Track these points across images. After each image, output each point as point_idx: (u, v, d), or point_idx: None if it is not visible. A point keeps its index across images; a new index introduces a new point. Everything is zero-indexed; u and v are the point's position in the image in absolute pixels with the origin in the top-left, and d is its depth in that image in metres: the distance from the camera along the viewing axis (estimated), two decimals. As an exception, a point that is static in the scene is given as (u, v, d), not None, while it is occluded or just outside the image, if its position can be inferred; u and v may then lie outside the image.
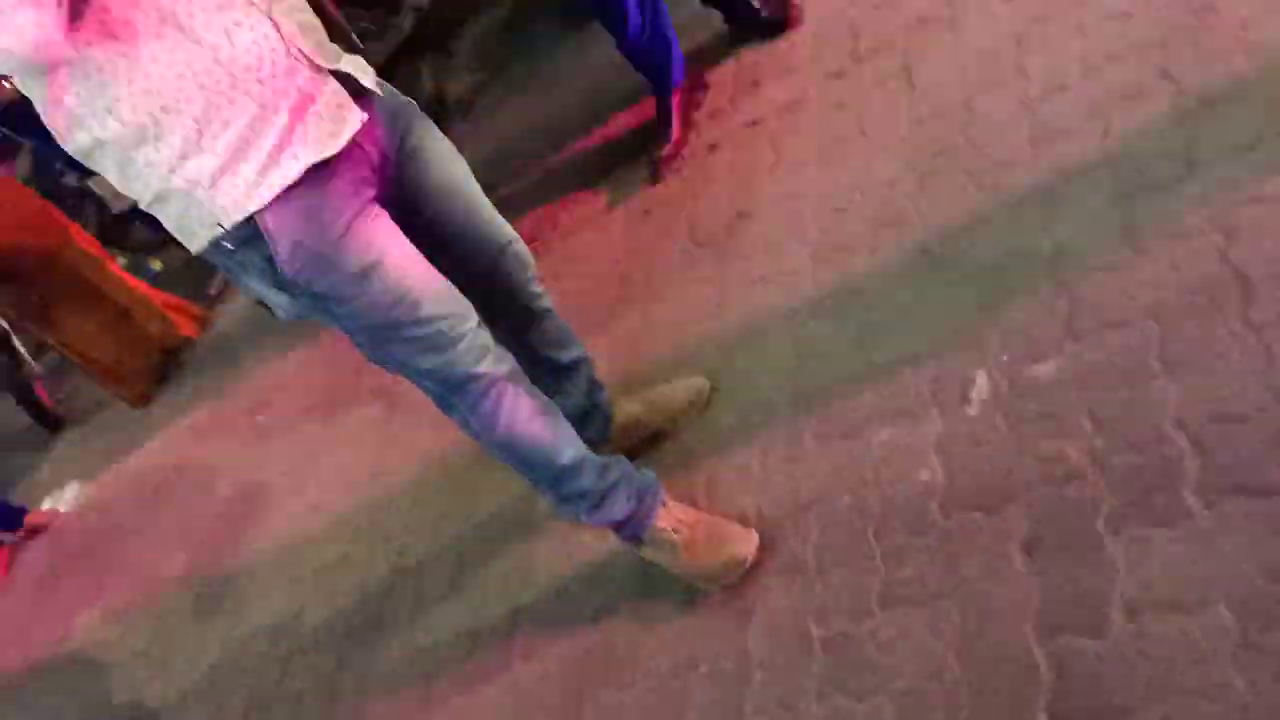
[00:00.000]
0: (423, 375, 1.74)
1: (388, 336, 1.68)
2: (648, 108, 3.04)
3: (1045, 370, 1.73)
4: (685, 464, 2.13)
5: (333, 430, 3.34)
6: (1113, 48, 2.09)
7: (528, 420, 1.80)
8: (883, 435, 1.84)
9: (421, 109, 1.79)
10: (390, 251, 1.63)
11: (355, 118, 1.57)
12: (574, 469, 1.86)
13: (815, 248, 2.29)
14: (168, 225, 1.61)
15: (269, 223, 1.53)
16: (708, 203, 2.69)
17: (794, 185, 2.46)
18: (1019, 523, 1.59)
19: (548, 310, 2.03)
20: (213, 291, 4.94)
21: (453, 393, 1.76)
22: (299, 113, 1.53)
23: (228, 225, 1.53)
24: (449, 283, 1.72)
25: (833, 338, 2.08)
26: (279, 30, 1.51)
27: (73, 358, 4.75)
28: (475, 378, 1.73)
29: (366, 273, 1.60)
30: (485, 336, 1.75)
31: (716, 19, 3.02)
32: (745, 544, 1.88)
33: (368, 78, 1.63)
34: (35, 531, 4.70)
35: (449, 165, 1.79)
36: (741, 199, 2.59)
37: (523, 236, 1.95)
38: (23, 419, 5.52)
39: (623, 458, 1.97)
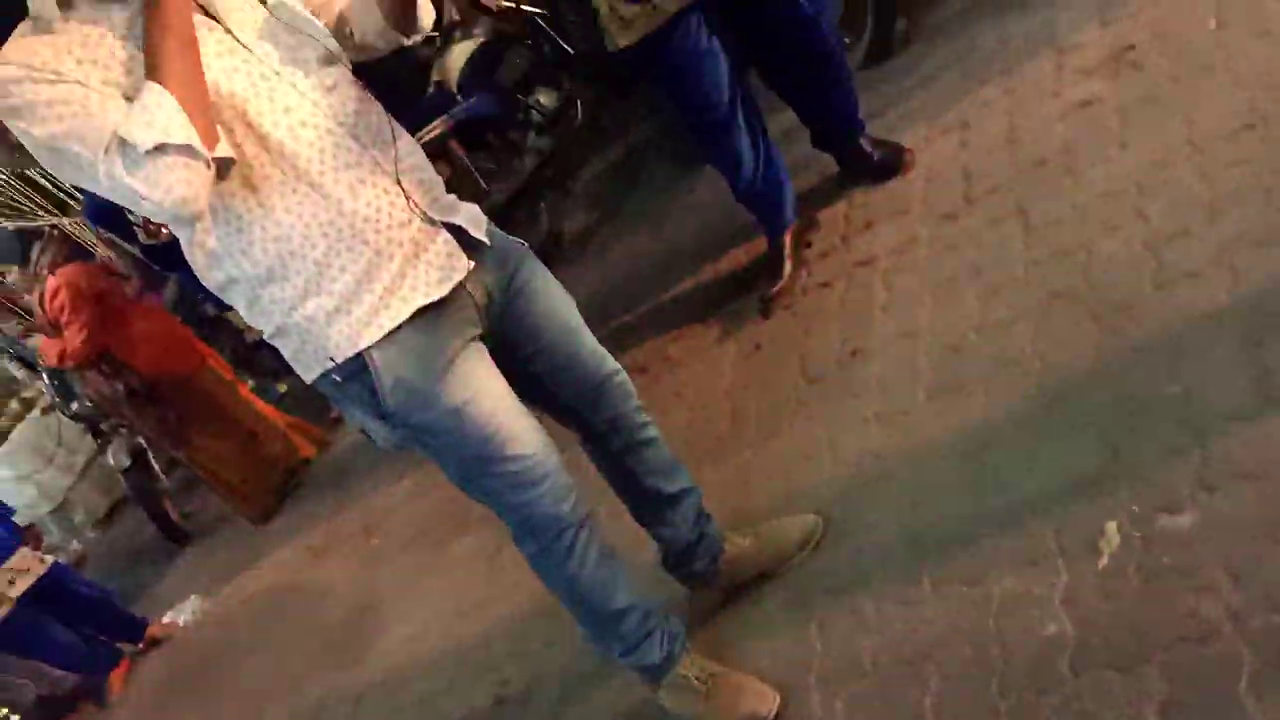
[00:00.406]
0: (505, 509, 1.84)
1: (476, 470, 1.78)
2: (759, 245, 3.11)
3: (1178, 522, 1.66)
4: (797, 603, 2.10)
5: (442, 556, 3.39)
6: (1237, 192, 2.06)
7: (594, 566, 1.88)
8: (1005, 584, 1.78)
9: (539, 246, 1.90)
10: (485, 391, 1.74)
11: (463, 266, 1.71)
12: (622, 615, 1.93)
13: (930, 387, 2.27)
14: (286, 356, 1.74)
15: (375, 359, 1.65)
16: (819, 339, 2.71)
17: (907, 324, 2.46)
18: (1156, 683, 1.51)
19: (652, 440, 2.06)
20: (334, 414, 5.11)
21: (529, 530, 1.84)
22: (411, 260, 1.66)
23: (338, 360, 1.66)
24: (538, 424, 1.82)
25: (950, 480, 2.04)
26: (400, 186, 1.65)
27: (202, 475, 4.98)
28: (553, 518, 1.82)
29: (461, 410, 1.70)
30: (567, 478, 1.84)
31: (828, 160, 3.09)
32: (765, 703, 1.93)
33: (479, 229, 1.76)
34: (155, 644, 4.84)
35: (553, 303, 1.88)
36: (854, 336, 2.60)
37: (632, 368, 2.01)
38: (151, 532, 5.76)
39: (656, 606, 2.01)
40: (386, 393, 1.67)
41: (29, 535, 4.68)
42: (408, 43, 1.75)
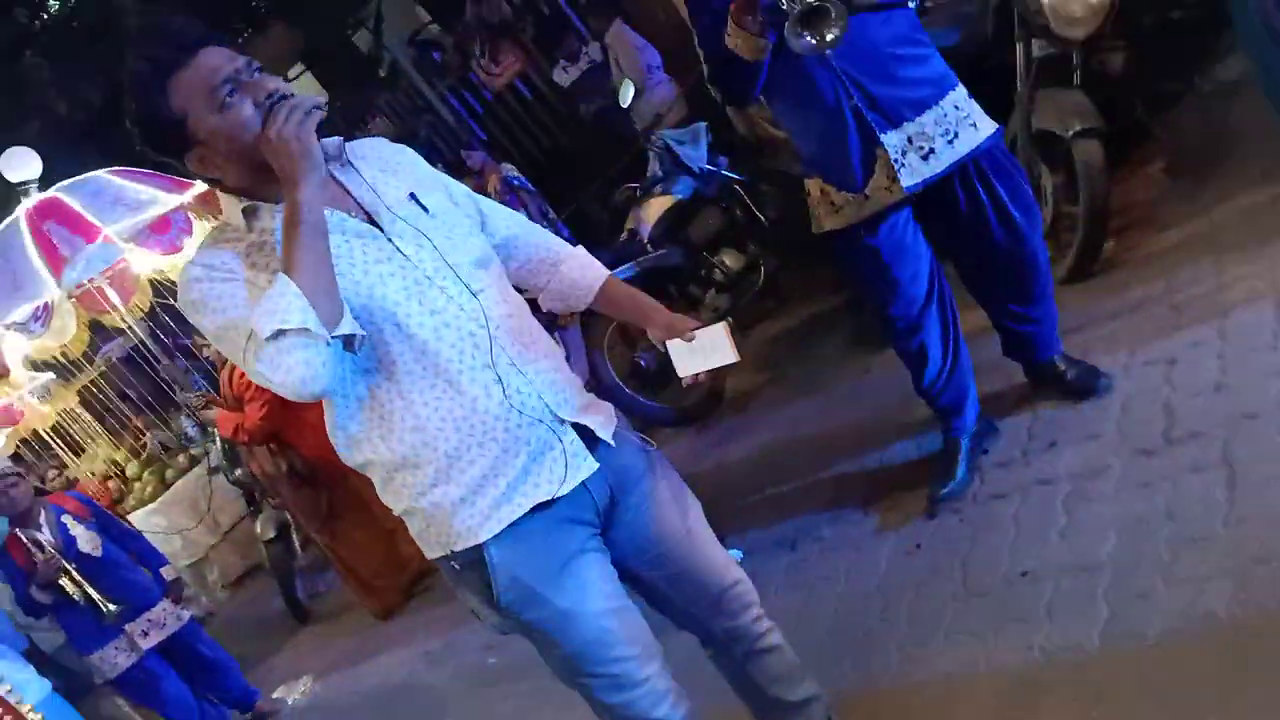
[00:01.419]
0: (599, 707, 1.86)
1: (576, 669, 1.82)
2: (933, 440, 3.07)
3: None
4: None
5: (556, 693, 3.36)
6: None
7: None
8: None
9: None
10: (596, 594, 1.78)
11: (587, 467, 1.77)
12: None
13: (1105, 629, 2.16)
14: (411, 532, 1.82)
15: (493, 554, 1.73)
16: (986, 552, 2.63)
17: (1087, 556, 2.37)
18: None
19: (774, 648, 2.03)
20: None
21: None
22: (537, 458, 1.73)
23: (457, 549, 1.74)
24: (645, 626, 1.85)
25: (1121, 732, 1.93)
26: (533, 386, 1.73)
27: (336, 561, 5.11)
28: None
29: (569, 612, 1.76)
30: (667, 682, 1.85)
31: (1017, 367, 3.06)
32: None
33: (607, 431, 1.82)
34: (261, 717, 4.92)
35: (675, 508, 1.92)
36: (1025, 556, 2.51)
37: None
38: (278, 605, 5.92)
39: None
40: (501, 589, 1.74)
41: (173, 587, 4.86)
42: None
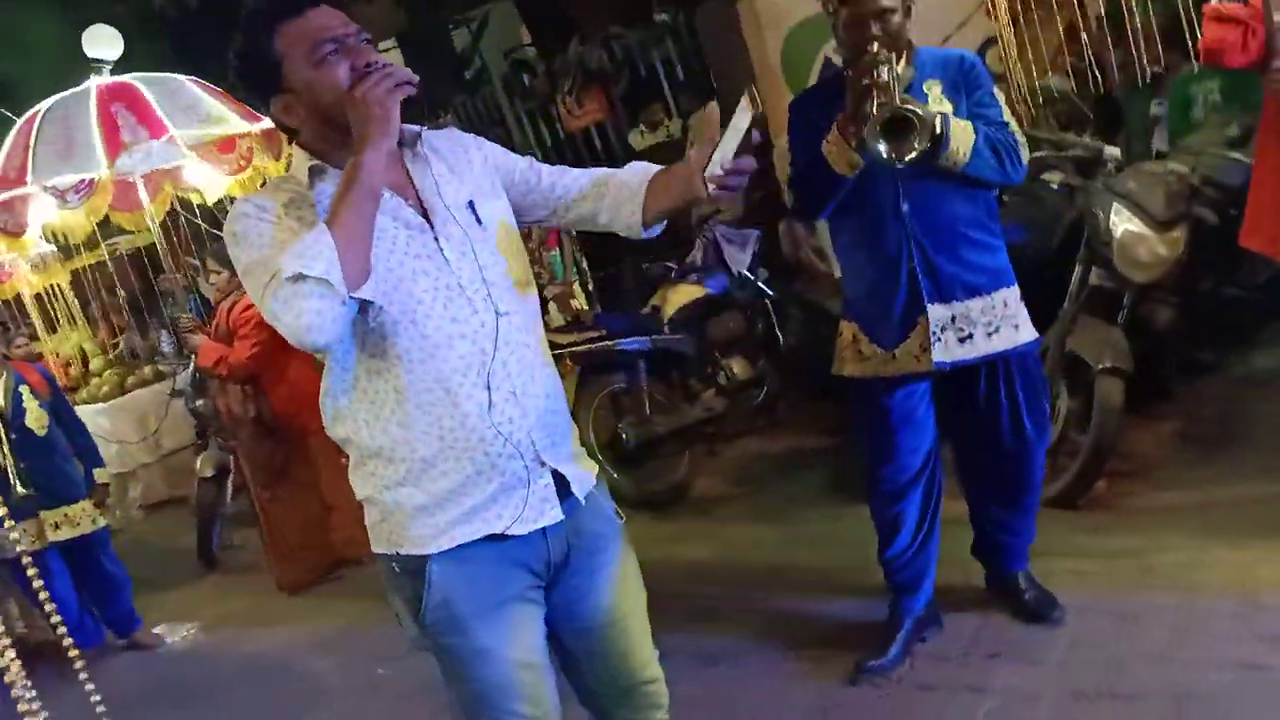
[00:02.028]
0: None
1: (476, 709, 1.80)
2: (878, 611, 3.06)
3: None
4: None
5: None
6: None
7: None
8: None
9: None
10: (519, 643, 1.77)
11: (552, 515, 1.76)
12: None
13: None
14: (365, 520, 1.81)
15: (434, 570, 1.72)
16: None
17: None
18: None
19: None
20: None
21: None
22: (507, 489, 1.72)
23: (404, 552, 1.73)
24: (554, 693, 1.83)
25: None
26: (526, 419, 1.72)
27: (264, 520, 5.01)
28: None
29: (488, 651, 1.74)
30: None
31: (979, 570, 3.07)
32: None
33: (582, 487, 1.81)
34: (135, 646, 4.82)
35: (622, 589, 1.89)
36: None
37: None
38: (189, 543, 5.83)
39: None
40: (430, 606, 1.72)
41: (98, 491, 4.79)
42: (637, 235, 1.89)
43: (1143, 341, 3.44)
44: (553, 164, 1.96)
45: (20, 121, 5.04)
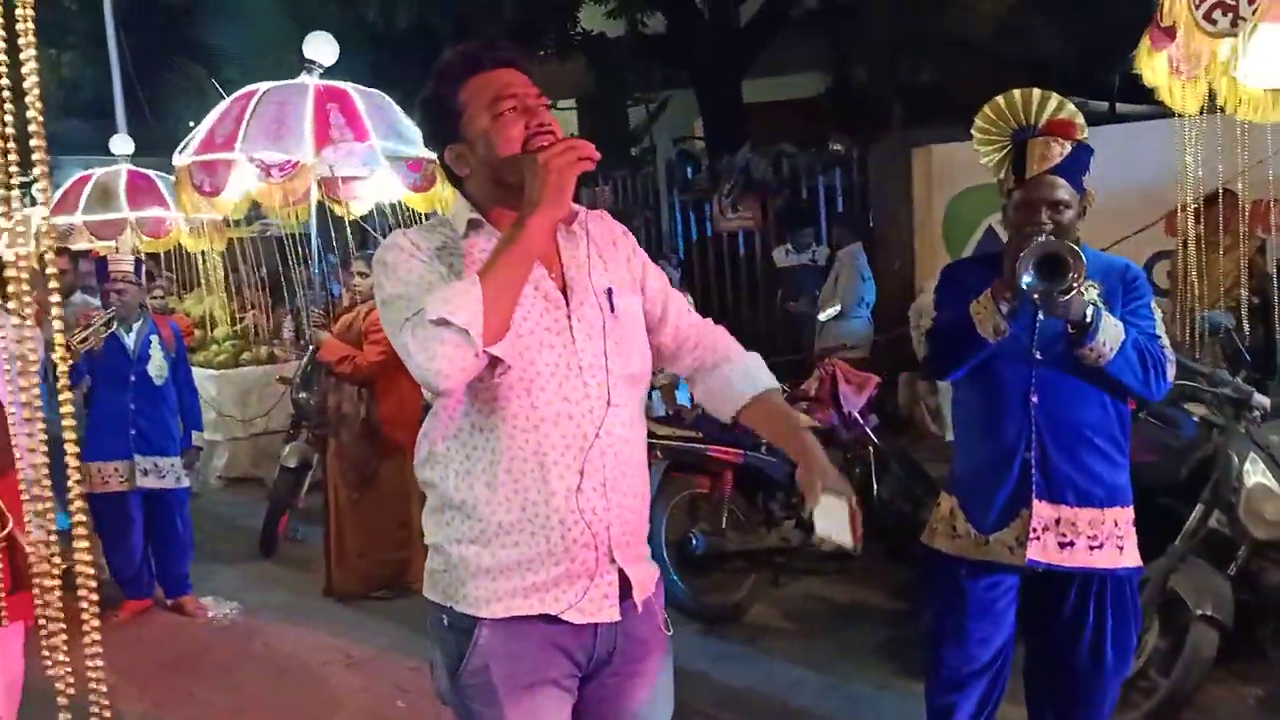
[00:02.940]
0: None
1: None
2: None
3: None
4: None
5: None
6: None
7: None
8: None
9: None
10: None
11: (609, 614, 1.76)
12: None
13: None
14: (428, 562, 1.82)
15: (483, 634, 1.72)
16: None
17: None
18: None
19: None
20: None
21: None
22: (572, 578, 1.72)
23: (457, 609, 1.74)
24: None
25: None
26: (609, 514, 1.73)
27: (333, 521, 5.11)
28: None
29: None
30: None
31: None
32: None
33: (643, 593, 1.80)
34: (179, 610, 4.93)
35: (653, 699, 1.88)
36: None
37: None
38: (254, 526, 5.97)
39: None
40: (469, 668, 1.73)
41: (190, 453, 4.98)
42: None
43: (1248, 597, 3.29)
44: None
45: (234, 96, 5.42)
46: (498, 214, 1.74)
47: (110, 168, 7.92)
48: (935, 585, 2.84)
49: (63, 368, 1.54)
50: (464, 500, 1.72)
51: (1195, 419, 3.55)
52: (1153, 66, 3.17)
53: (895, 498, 4.90)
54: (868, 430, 4.98)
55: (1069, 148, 2.54)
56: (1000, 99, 2.67)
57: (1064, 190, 2.52)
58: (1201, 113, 3.28)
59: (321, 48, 5.40)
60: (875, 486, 4.89)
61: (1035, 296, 2.37)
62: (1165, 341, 2.54)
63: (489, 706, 1.74)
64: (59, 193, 7.78)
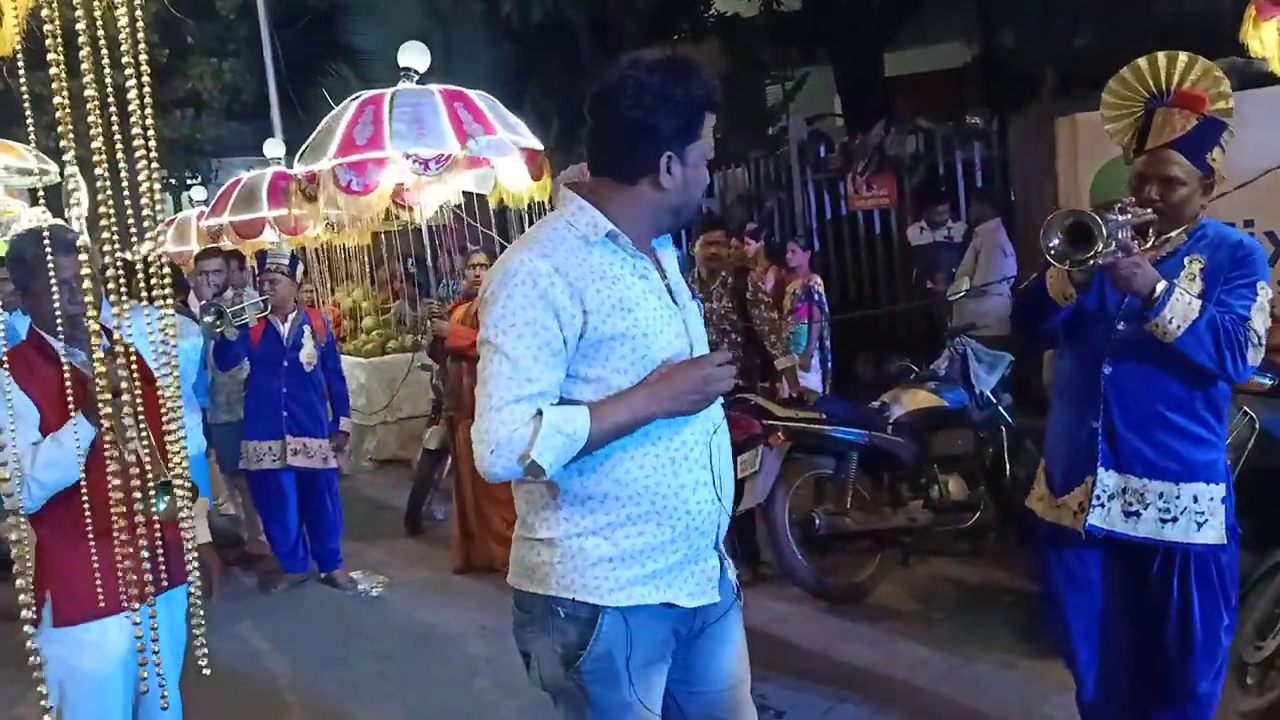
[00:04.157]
0: None
1: None
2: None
3: None
4: None
5: None
6: None
7: None
8: None
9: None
10: (652, 704, 1.86)
11: (712, 595, 1.88)
12: None
13: None
14: (529, 557, 1.85)
15: (606, 622, 1.78)
16: None
17: None
18: None
19: None
20: None
21: None
22: (688, 562, 1.83)
23: (578, 599, 1.78)
24: None
25: None
26: (720, 504, 1.87)
27: (459, 497, 5.33)
28: None
29: (629, 708, 1.82)
30: None
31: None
32: None
33: (732, 571, 1.97)
34: (332, 583, 5.26)
35: (736, 665, 1.99)
36: None
37: None
38: (400, 504, 6.28)
39: None
40: (592, 655, 1.79)
41: (338, 436, 5.29)
42: None
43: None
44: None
45: (357, 102, 5.74)
46: (635, 228, 1.83)
47: (259, 171, 8.45)
48: (1033, 549, 2.88)
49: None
50: (591, 495, 1.79)
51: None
52: (1260, 37, 3.00)
53: (1032, 477, 4.77)
54: (1001, 409, 4.86)
55: (1195, 121, 2.45)
56: (1136, 64, 2.59)
57: (1179, 168, 2.45)
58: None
59: (415, 56, 5.82)
60: (1009, 466, 4.78)
61: (1055, 258, 2.35)
62: (1257, 325, 2.42)
63: (610, 689, 1.81)
64: (216, 195, 8.36)
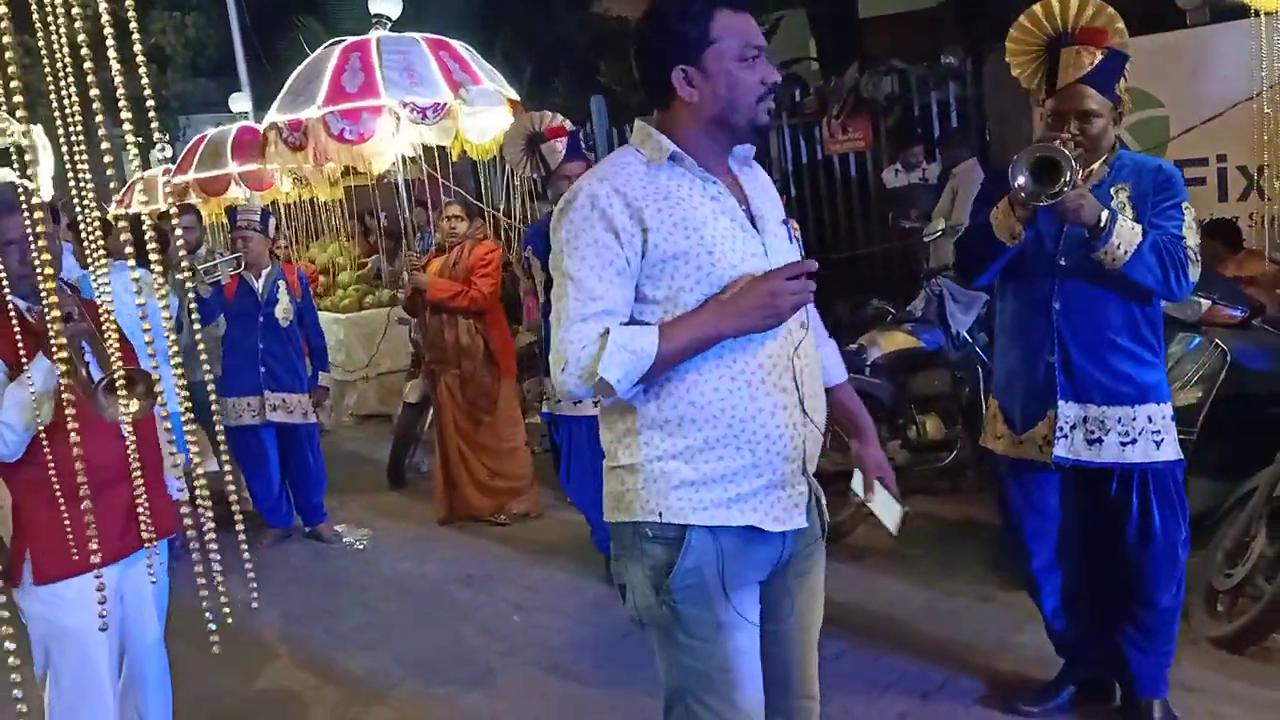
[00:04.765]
0: None
1: (692, 688, 1.83)
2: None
3: None
4: None
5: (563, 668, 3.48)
6: None
7: None
8: None
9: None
10: (747, 629, 1.83)
11: (799, 520, 1.84)
12: None
13: None
14: (610, 488, 1.86)
15: (694, 539, 1.77)
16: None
17: None
18: None
19: None
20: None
21: None
22: (773, 487, 1.80)
23: (665, 519, 1.78)
24: (761, 687, 1.87)
25: None
26: (807, 428, 1.82)
27: (441, 448, 5.37)
28: None
29: (724, 626, 1.80)
30: None
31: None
32: None
33: (821, 501, 1.93)
34: (317, 537, 5.29)
35: (814, 598, 1.99)
36: None
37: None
38: (382, 458, 6.30)
39: None
40: (682, 571, 1.78)
41: (318, 391, 5.29)
42: None
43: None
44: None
45: (340, 48, 5.58)
46: (697, 148, 1.81)
47: (224, 127, 8.32)
48: (994, 484, 2.97)
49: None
50: (668, 419, 1.77)
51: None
52: None
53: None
54: (977, 349, 4.90)
55: (1100, 56, 2.54)
56: (1037, 6, 2.68)
57: (1094, 100, 2.54)
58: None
59: (387, 2, 5.64)
60: (985, 405, 4.83)
61: (1029, 200, 2.43)
62: (1191, 243, 2.53)
63: (700, 607, 1.79)
64: (183, 152, 8.23)
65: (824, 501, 1.95)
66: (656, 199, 1.76)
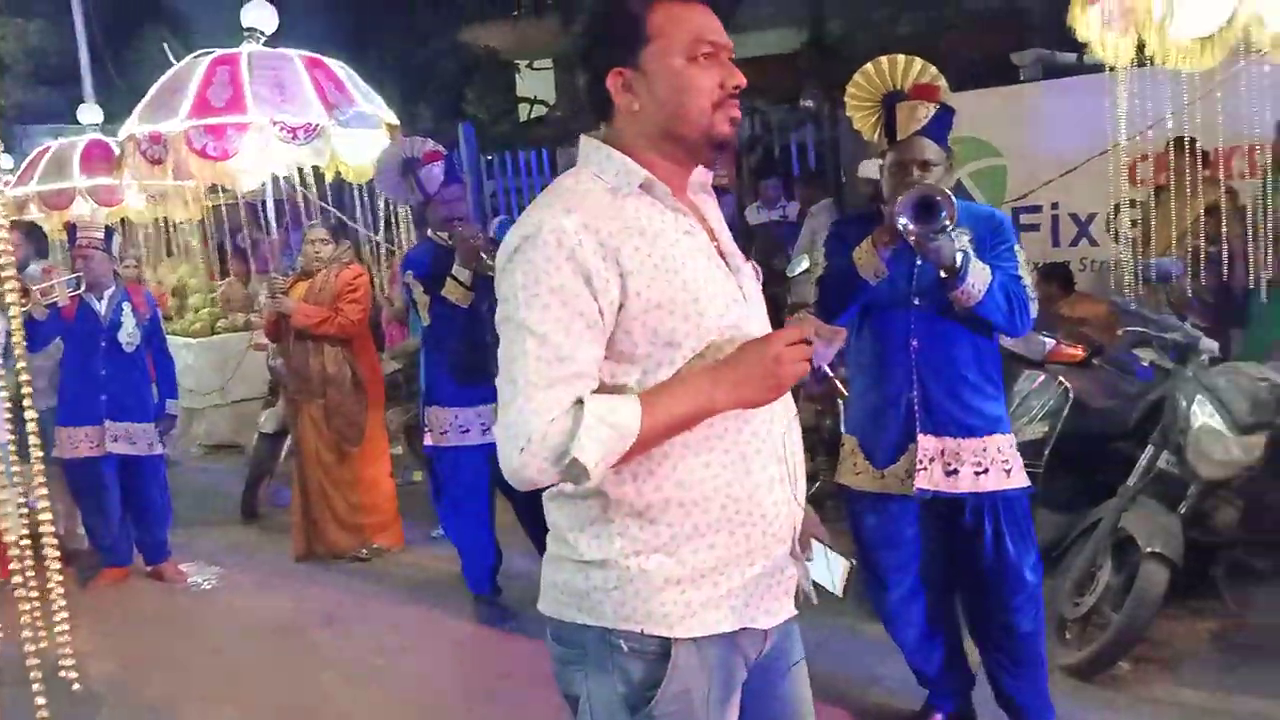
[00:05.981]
0: None
1: None
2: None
3: None
4: None
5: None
6: None
7: None
8: None
9: None
10: None
11: (788, 610, 1.60)
12: None
13: None
14: (574, 581, 1.53)
15: (680, 657, 1.49)
16: None
17: None
18: None
19: None
20: (435, 534, 5.10)
21: None
22: (766, 577, 1.54)
23: (646, 632, 1.49)
24: None
25: None
26: (796, 499, 1.57)
27: (300, 481, 5.15)
28: None
29: None
30: None
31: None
32: None
33: (807, 580, 1.65)
34: (160, 577, 5.00)
35: (804, 685, 1.72)
36: None
37: None
38: (234, 492, 6.02)
39: None
40: (666, 697, 1.49)
41: (165, 420, 5.01)
42: None
43: (1199, 534, 3.37)
44: None
45: (208, 60, 5.32)
46: (653, 164, 1.52)
47: (70, 139, 7.86)
48: (850, 520, 3.02)
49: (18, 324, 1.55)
50: (650, 504, 1.48)
51: (1147, 364, 3.62)
52: (1085, 21, 3.28)
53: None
54: (838, 384, 5.01)
55: (934, 110, 2.71)
56: (870, 65, 2.84)
57: (931, 150, 2.71)
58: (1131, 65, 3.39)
59: (262, 16, 5.41)
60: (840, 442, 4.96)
61: (911, 238, 2.53)
62: (1028, 282, 2.74)
63: None
64: (23, 164, 7.74)
65: (806, 577, 1.67)
66: (632, 236, 1.46)
